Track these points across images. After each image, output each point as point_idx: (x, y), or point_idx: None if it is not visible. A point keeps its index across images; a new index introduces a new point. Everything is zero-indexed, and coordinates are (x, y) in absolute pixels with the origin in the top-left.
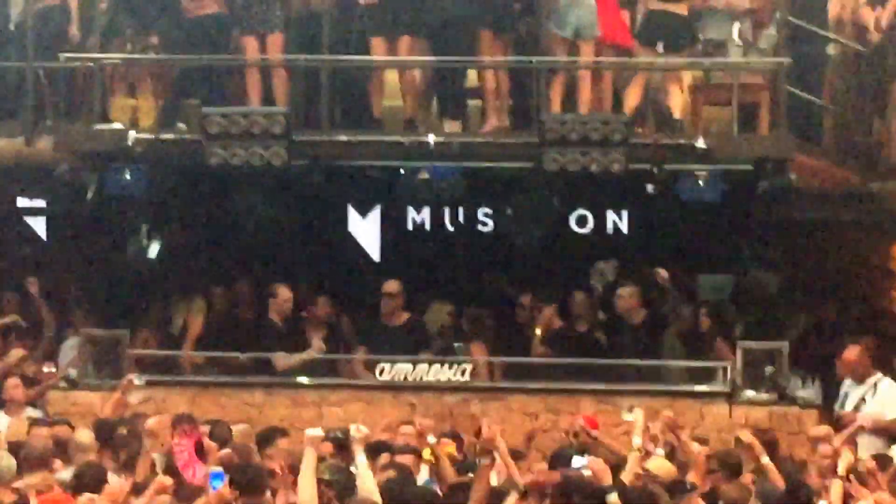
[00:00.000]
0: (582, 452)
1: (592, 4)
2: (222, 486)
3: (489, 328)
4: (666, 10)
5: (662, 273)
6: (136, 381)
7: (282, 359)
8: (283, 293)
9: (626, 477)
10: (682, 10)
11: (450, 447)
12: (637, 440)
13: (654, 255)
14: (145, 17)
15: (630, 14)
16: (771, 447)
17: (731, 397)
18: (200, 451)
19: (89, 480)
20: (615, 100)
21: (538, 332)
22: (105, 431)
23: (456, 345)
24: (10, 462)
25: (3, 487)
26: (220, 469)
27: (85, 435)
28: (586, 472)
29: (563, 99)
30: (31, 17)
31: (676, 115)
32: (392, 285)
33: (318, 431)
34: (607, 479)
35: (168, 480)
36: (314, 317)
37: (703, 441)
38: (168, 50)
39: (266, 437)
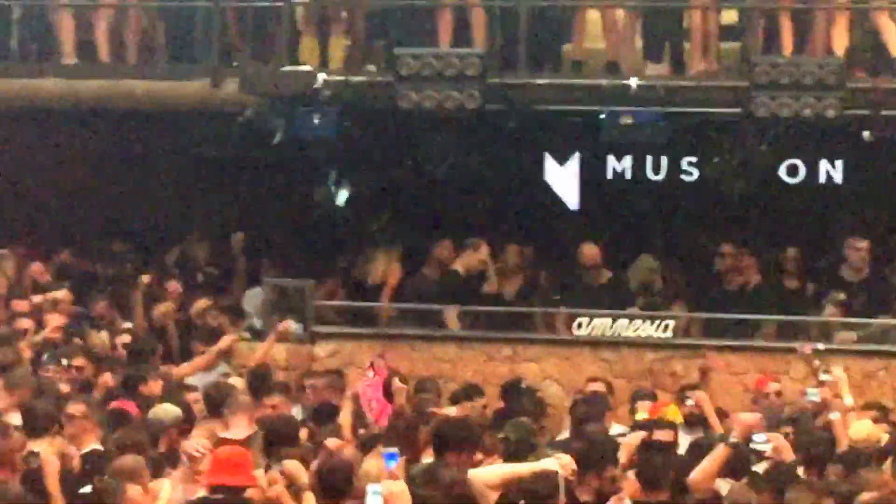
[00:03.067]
0: None
1: None
2: (396, 467)
3: (688, 286)
4: None
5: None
6: (293, 328)
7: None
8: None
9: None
10: None
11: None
12: (848, 399)
13: (872, 207)
14: None
15: None
16: None
17: None
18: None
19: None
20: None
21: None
22: (259, 379)
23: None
24: (176, 412)
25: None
26: (394, 450)
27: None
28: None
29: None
30: None
31: (893, 53)
32: (591, 252)
33: None
34: (789, 456)
35: None
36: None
37: None
38: None
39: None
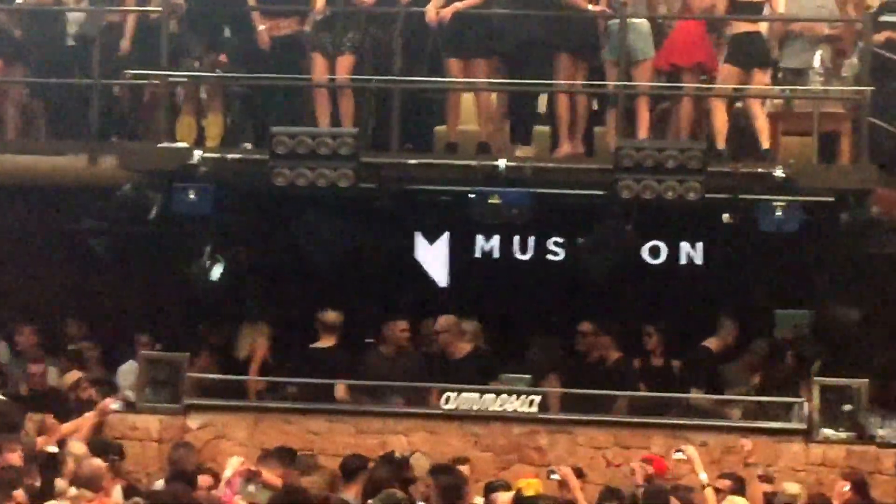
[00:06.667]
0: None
1: (642, 28)
2: None
3: (562, 359)
4: (748, 32)
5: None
6: (114, 406)
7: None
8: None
9: None
10: (761, 29)
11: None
12: (703, 476)
13: (730, 288)
14: (214, 36)
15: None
16: (860, 488)
17: (807, 435)
18: None
19: None
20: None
21: None
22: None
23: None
24: None
25: None
26: None
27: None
28: None
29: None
30: (96, 34)
31: (765, 143)
32: (442, 321)
33: None
34: None
35: None
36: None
37: (768, 479)
38: (237, 69)
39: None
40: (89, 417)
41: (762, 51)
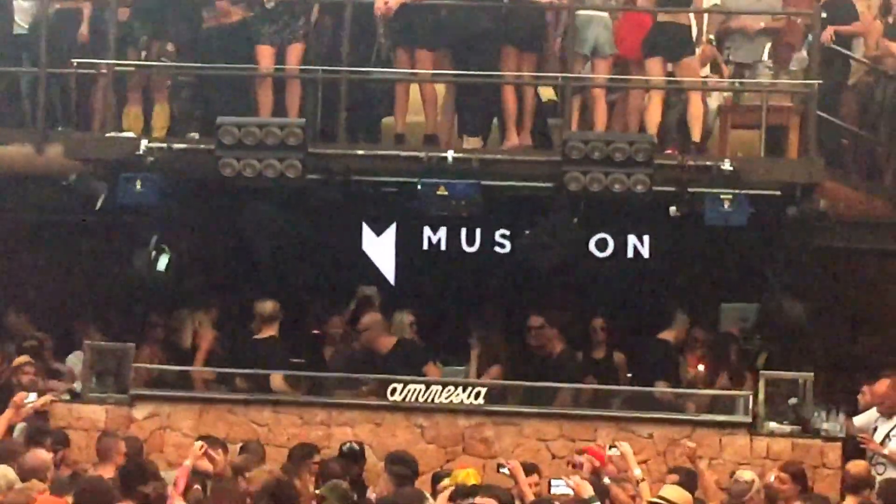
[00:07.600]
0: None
1: (608, 22)
2: None
3: (505, 350)
4: (671, 22)
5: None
6: (28, 399)
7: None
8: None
9: None
10: (685, 20)
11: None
12: (637, 471)
13: (676, 281)
14: (161, 25)
15: None
16: (800, 481)
17: (752, 428)
18: None
19: None
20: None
21: None
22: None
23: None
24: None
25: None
26: None
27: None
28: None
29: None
30: (43, 23)
31: (695, 135)
32: (365, 320)
33: None
34: (587, 492)
35: None
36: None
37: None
38: (185, 58)
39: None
40: (5, 415)
41: (681, 42)
